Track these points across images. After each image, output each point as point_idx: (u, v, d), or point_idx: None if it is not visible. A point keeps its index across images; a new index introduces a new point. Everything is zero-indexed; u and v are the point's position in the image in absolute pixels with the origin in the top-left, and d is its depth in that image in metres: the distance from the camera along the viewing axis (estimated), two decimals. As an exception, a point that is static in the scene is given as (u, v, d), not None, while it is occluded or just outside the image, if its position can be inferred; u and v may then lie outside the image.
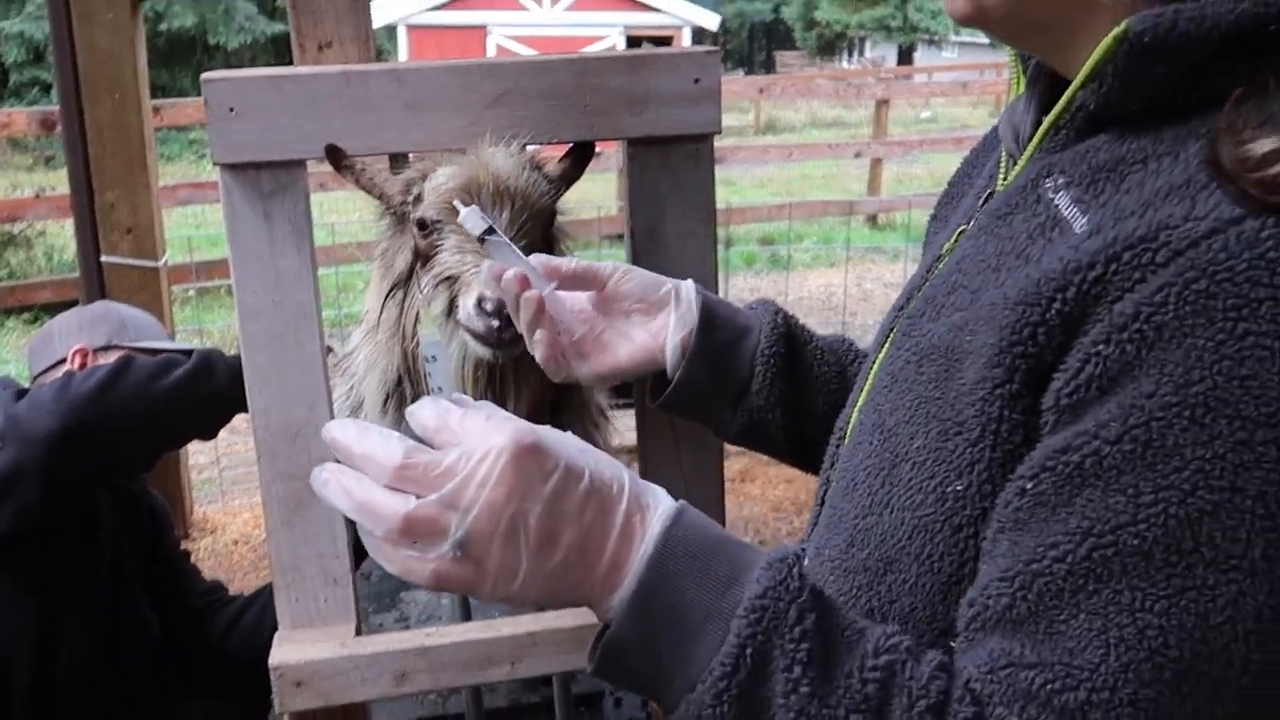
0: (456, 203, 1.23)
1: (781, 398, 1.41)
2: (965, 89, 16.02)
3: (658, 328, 1.38)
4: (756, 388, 1.40)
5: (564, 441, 0.93)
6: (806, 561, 1.11)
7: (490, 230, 1.23)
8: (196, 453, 5.31)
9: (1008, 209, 1.00)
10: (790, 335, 1.45)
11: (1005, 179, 1.09)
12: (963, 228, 1.12)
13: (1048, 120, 0.98)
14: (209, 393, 2.15)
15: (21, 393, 2.15)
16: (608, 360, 1.39)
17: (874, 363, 1.16)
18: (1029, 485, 0.86)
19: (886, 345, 1.14)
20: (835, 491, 1.13)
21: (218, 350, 2.37)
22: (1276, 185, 0.78)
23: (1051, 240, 0.92)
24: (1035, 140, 1.01)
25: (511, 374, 1.69)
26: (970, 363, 0.93)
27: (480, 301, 1.51)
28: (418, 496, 0.87)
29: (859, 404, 1.16)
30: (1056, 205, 0.94)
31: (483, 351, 1.58)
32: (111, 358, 2.45)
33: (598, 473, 0.92)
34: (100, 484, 2.30)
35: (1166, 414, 0.79)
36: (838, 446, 1.22)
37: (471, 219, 1.21)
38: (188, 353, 2.56)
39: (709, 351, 1.38)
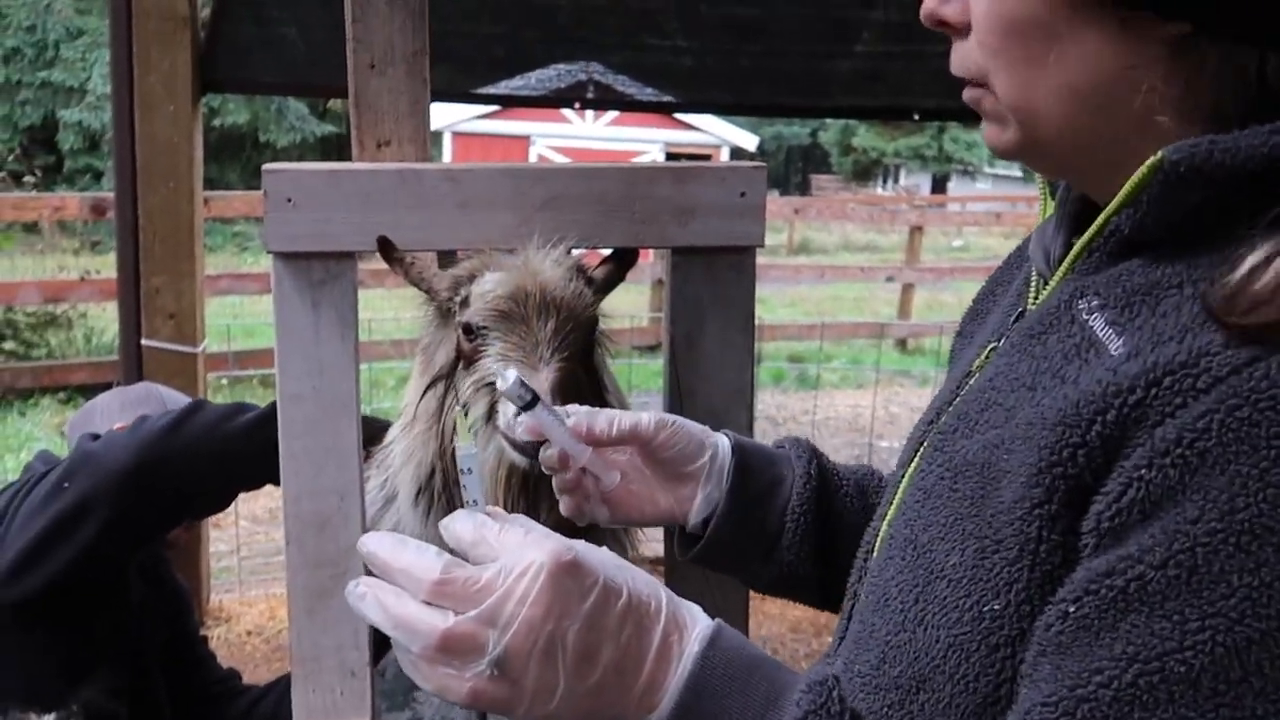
0: (496, 368, 1.28)
1: (813, 552, 1.39)
2: (998, 219, 16.19)
3: (684, 500, 1.37)
4: (787, 543, 1.38)
5: (602, 558, 0.93)
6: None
7: (534, 400, 1.23)
8: (217, 540, 5.30)
9: (1041, 329, 1.01)
10: (822, 485, 1.42)
11: (1036, 298, 1.10)
12: (993, 345, 1.12)
13: (1080, 243, 0.99)
14: (275, 437, 2.16)
15: (95, 437, 2.18)
16: (631, 515, 1.38)
17: (902, 476, 1.16)
18: (1071, 609, 0.85)
19: (916, 459, 1.13)
20: (865, 606, 1.11)
21: None
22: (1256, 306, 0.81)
23: (1087, 361, 0.92)
24: (1067, 262, 1.02)
25: (546, 481, 1.69)
26: (1008, 481, 0.92)
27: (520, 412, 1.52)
28: (455, 612, 0.87)
29: (888, 517, 1.14)
30: (1091, 327, 0.94)
31: (519, 460, 1.58)
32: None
33: (635, 590, 0.93)
34: (167, 526, 2.30)
35: (1212, 540, 0.78)
36: (865, 560, 1.20)
37: (514, 390, 1.21)
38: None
39: (739, 511, 1.36)
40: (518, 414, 1.27)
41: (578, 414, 1.31)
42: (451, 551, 0.98)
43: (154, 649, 2.52)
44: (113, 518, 2.02)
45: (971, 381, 1.11)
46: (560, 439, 1.27)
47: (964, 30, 0.98)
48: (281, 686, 2.52)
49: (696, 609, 0.97)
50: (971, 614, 0.94)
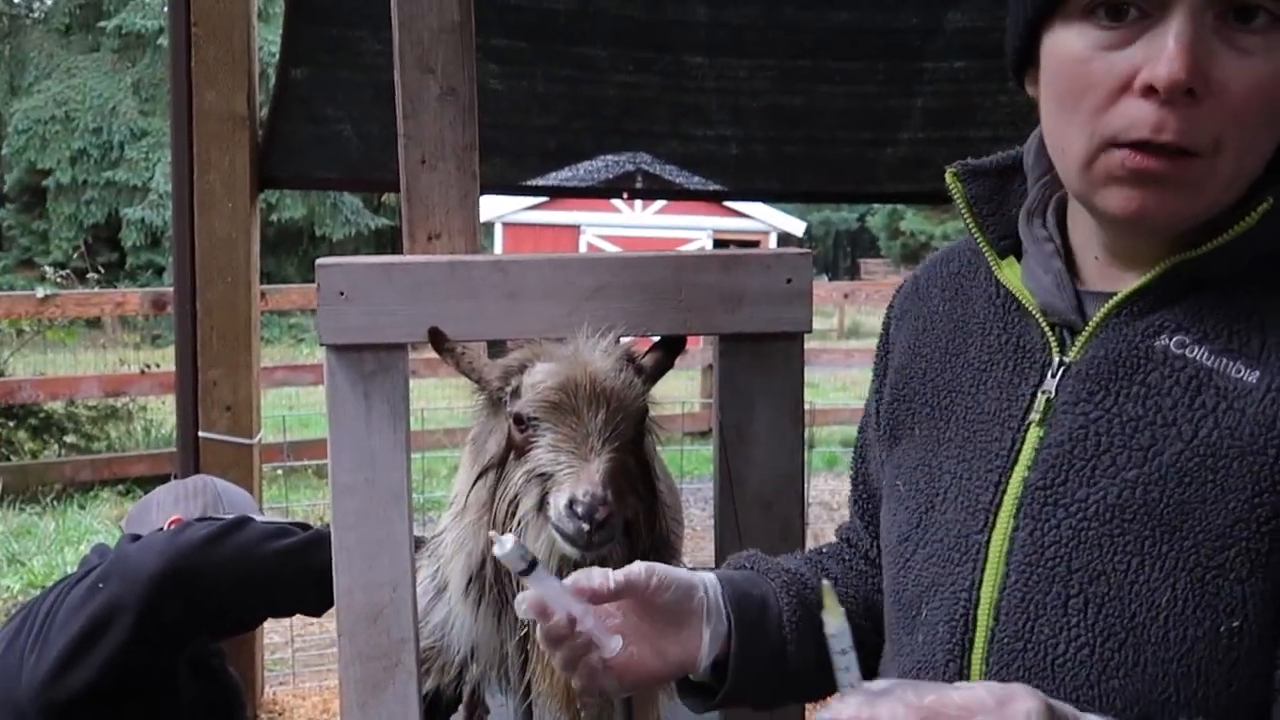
0: (493, 534, 1.21)
1: (815, 646, 1.33)
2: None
3: (690, 643, 1.32)
4: (794, 652, 1.36)
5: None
6: None
7: (533, 565, 1.19)
8: (271, 632, 5.29)
9: (1127, 371, 1.09)
10: (799, 591, 1.40)
11: (1076, 348, 1.15)
12: (1048, 396, 1.15)
13: (1130, 290, 1.10)
14: (316, 566, 2.16)
15: (136, 537, 2.19)
16: (640, 677, 1.31)
17: (986, 541, 1.16)
18: None
19: (1008, 519, 1.15)
20: (1017, 675, 1.11)
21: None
22: None
23: (1221, 390, 1.04)
24: (1109, 310, 1.12)
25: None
26: (1208, 511, 1.01)
27: (571, 504, 1.52)
28: None
29: (990, 584, 1.15)
30: (1197, 361, 1.05)
31: (570, 551, 1.58)
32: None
33: (1063, 711, 0.93)
34: (193, 638, 2.30)
35: None
36: (962, 635, 1.18)
37: (514, 556, 1.16)
38: (298, 525, 2.61)
39: (752, 641, 1.34)
40: (518, 577, 1.21)
41: (575, 575, 1.25)
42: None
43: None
44: (139, 622, 2.03)
45: (1043, 439, 1.14)
46: (563, 601, 1.22)
47: (1202, 101, 1.00)
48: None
49: None
50: (1207, 638, 1.02)
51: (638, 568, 1.26)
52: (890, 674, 1.28)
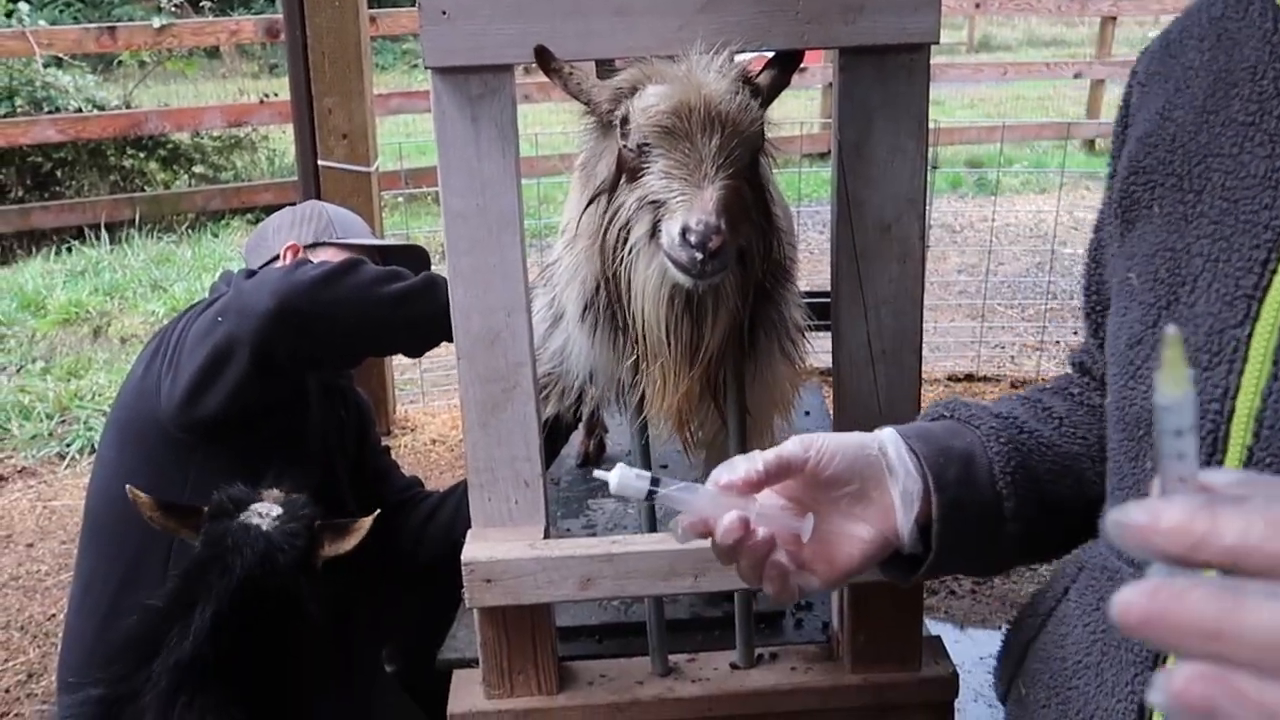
0: (599, 472, 1.03)
1: (1038, 502, 1.21)
2: (1203, 4, 14.91)
3: (882, 512, 1.13)
4: (1011, 510, 1.18)
5: None
6: None
7: (655, 484, 1.02)
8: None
9: None
10: (1013, 438, 1.23)
11: None
12: None
13: None
14: (422, 312, 2.20)
15: (252, 273, 2.26)
16: (838, 569, 1.12)
17: (1247, 334, 0.92)
18: None
19: (1276, 306, 0.91)
20: None
21: (443, 277, 2.42)
22: None
23: None
24: None
25: (710, 301, 1.67)
26: None
27: (685, 232, 1.49)
28: None
29: (1255, 386, 0.90)
30: None
31: (683, 279, 1.56)
32: (322, 254, 2.55)
33: None
34: (306, 370, 2.40)
35: None
36: (1209, 458, 0.93)
37: (628, 484, 1.00)
38: (397, 249, 2.64)
39: (954, 501, 1.15)
40: (648, 497, 1.04)
41: (715, 472, 1.07)
42: None
43: (340, 463, 2.66)
44: (255, 356, 2.10)
45: None
46: (717, 505, 1.05)
47: None
48: (458, 494, 2.64)
49: None
50: None
51: (791, 444, 1.09)
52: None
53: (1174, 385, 0.59)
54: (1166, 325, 0.72)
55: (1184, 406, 0.59)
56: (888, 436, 1.17)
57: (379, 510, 2.08)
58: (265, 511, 2.02)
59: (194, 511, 2.06)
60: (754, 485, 1.06)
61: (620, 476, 0.98)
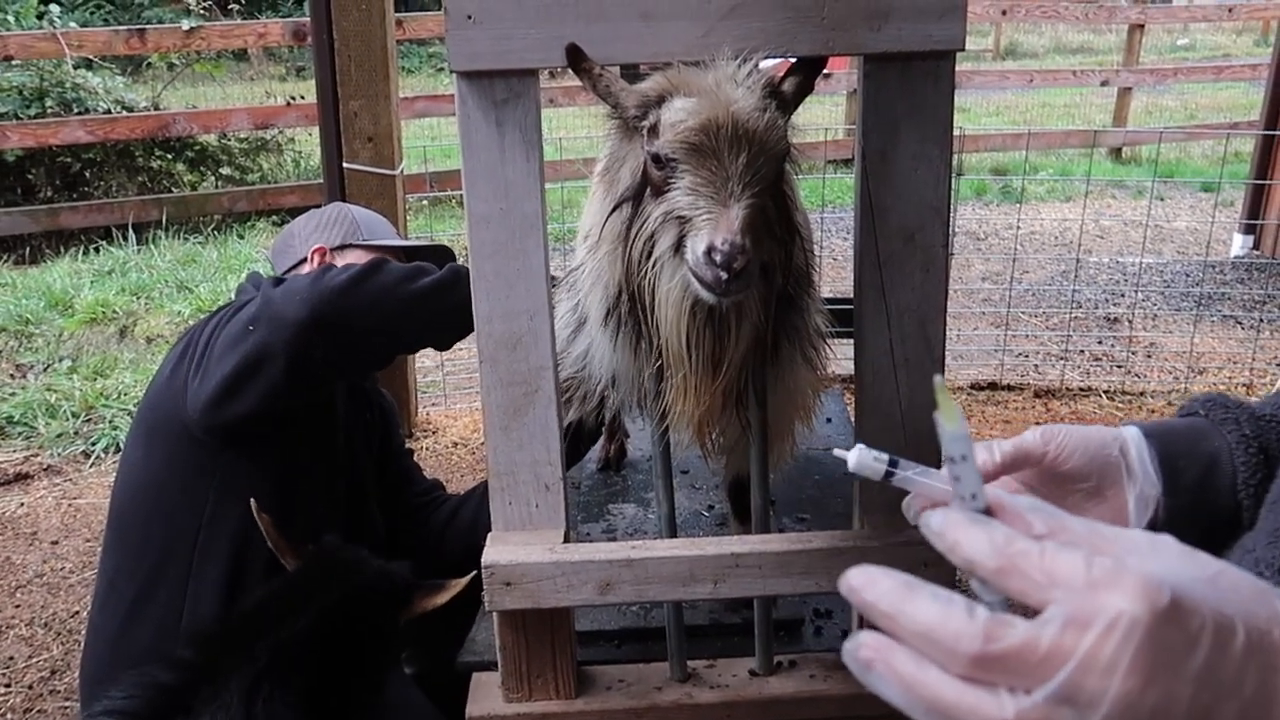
0: (838, 451, 1.00)
1: None
2: (1230, 13, 14.80)
3: (1115, 512, 1.11)
4: (1249, 520, 1.11)
5: (1192, 577, 0.66)
6: None
7: (894, 465, 0.99)
8: (422, 357, 5.53)
9: None
10: (1263, 443, 1.17)
11: None
12: None
13: None
14: (450, 306, 2.21)
15: (279, 281, 2.27)
16: None
17: None
18: None
19: None
20: None
21: (451, 254, 2.42)
22: None
23: None
24: None
25: (732, 317, 1.67)
26: None
27: (710, 251, 1.49)
28: (1010, 691, 0.64)
29: None
30: None
31: (707, 296, 1.56)
32: (348, 256, 2.56)
33: (1250, 618, 0.65)
34: (340, 375, 2.41)
35: None
36: None
37: (866, 464, 0.97)
38: (424, 251, 2.64)
39: (1184, 507, 1.12)
40: (885, 478, 0.98)
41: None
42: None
43: (366, 464, 2.67)
44: (290, 365, 2.11)
45: None
46: (944, 492, 1.00)
47: None
48: (478, 496, 2.64)
49: None
50: None
51: (1031, 435, 1.08)
52: None
53: (951, 421, 0.72)
54: (934, 375, 0.76)
55: (962, 439, 0.72)
56: (1131, 436, 1.14)
57: (474, 572, 2.14)
58: (369, 556, 2.13)
59: (300, 543, 2.16)
60: (988, 475, 1.05)
61: (859, 457, 0.97)
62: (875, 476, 0.96)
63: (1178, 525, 1.09)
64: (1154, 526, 1.11)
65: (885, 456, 0.96)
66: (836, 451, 1.02)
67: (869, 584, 0.68)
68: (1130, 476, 1.11)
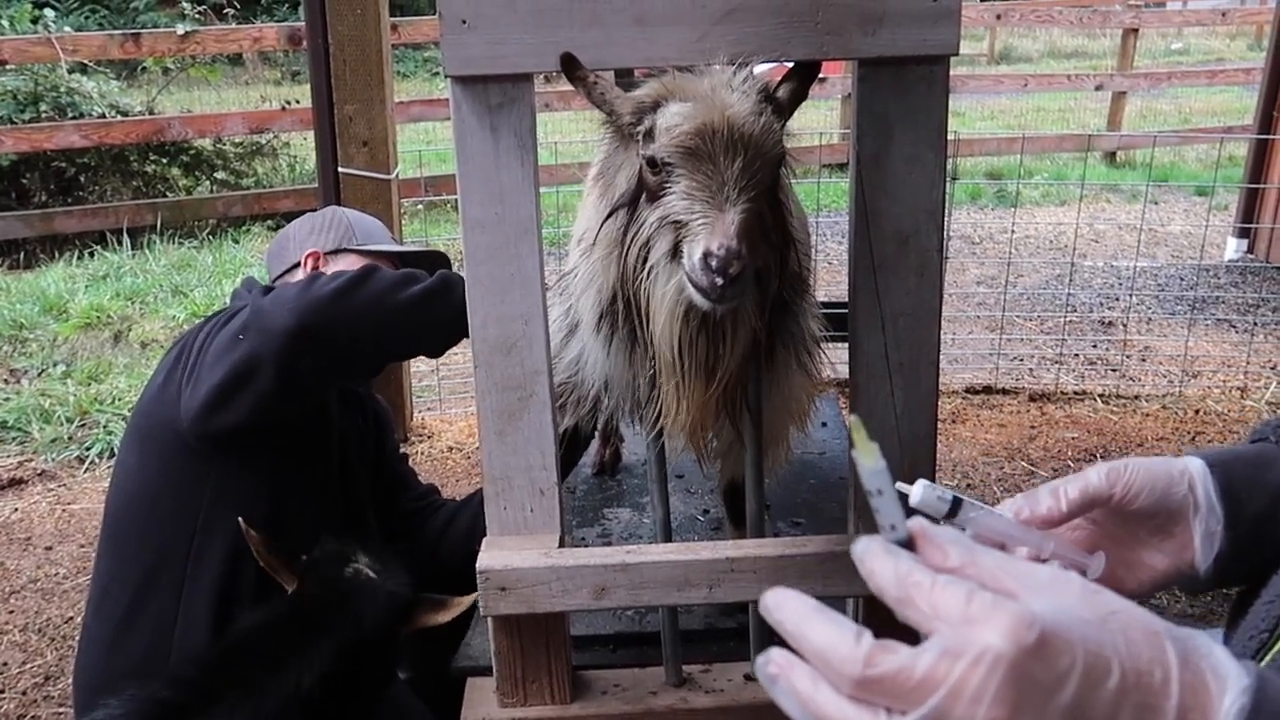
0: (901, 485, 0.95)
1: None
2: (1224, 18, 14.85)
3: (1181, 546, 1.11)
4: None
5: (1080, 620, 0.68)
6: None
7: (957, 504, 0.98)
8: (417, 361, 5.53)
9: None
10: None
11: None
12: None
13: None
14: (442, 313, 2.20)
15: (269, 289, 2.26)
16: (1125, 594, 0.98)
17: None
18: None
19: None
20: None
21: (447, 260, 2.41)
22: None
23: None
24: None
25: (727, 323, 1.67)
26: None
27: (706, 256, 1.49)
28: (887, 711, 0.68)
29: None
30: None
31: (701, 302, 1.56)
32: (342, 261, 2.55)
33: (1131, 658, 0.67)
34: (330, 383, 2.41)
35: None
36: None
37: (931, 502, 0.97)
38: (418, 256, 2.64)
39: (1246, 540, 1.11)
40: (943, 522, 0.98)
41: (1013, 503, 1.06)
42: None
43: (360, 470, 2.66)
44: (279, 374, 2.11)
45: None
46: (1014, 537, 1.02)
47: None
48: (475, 502, 2.64)
49: (1221, 657, 0.70)
50: None
51: (1096, 476, 1.07)
52: None
53: (869, 459, 0.77)
54: (850, 415, 0.79)
55: (880, 474, 0.77)
56: (1197, 470, 1.12)
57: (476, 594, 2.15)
58: (371, 567, 2.12)
59: (293, 556, 2.15)
60: (1054, 523, 1.06)
61: (923, 494, 0.98)
62: (938, 514, 0.96)
63: (1241, 556, 1.10)
64: (1219, 559, 1.11)
65: (949, 496, 0.96)
66: (900, 485, 0.97)
67: (779, 605, 0.74)
68: (1197, 512, 1.11)
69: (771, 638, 2.02)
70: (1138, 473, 1.08)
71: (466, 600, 2.11)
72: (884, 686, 0.68)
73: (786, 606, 0.74)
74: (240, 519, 2.14)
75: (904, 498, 0.93)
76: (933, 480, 0.78)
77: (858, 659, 0.68)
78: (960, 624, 0.67)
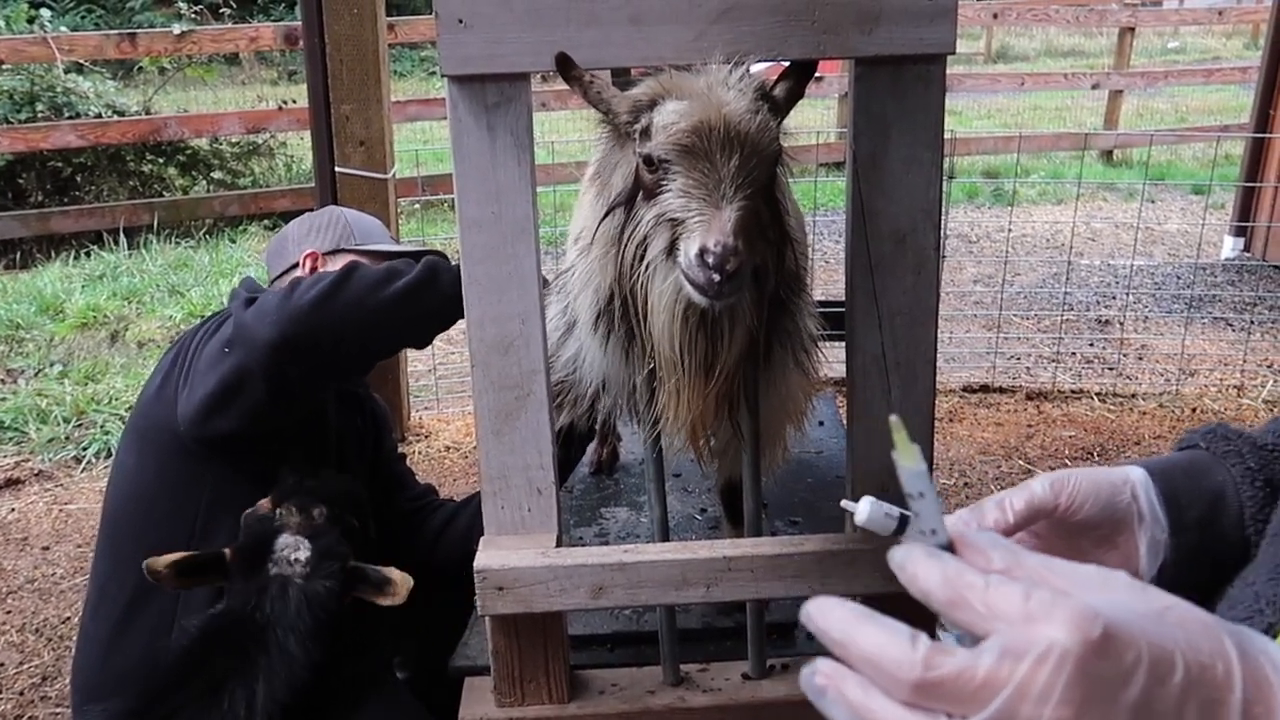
0: (845, 503, 0.97)
1: None
2: (1220, 17, 14.86)
3: (1125, 557, 1.11)
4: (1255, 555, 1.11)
5: (1139, 614, 0.67)
6: None
7: (904, 522, 0.95)
8: (414, 360, 5.52)
9: None
10: (1268, 475, 1.16)
11: None
12: None
13: None
14: (429, 304, 2.20)
15: (251, 300, 2.26)
16: None
17: None
18: None
19: None
20: None
21: (444, 259, 2.41)
22: None
23: None
24: None
25: (725, 320, 1.67)
26: None
27: (703, 253, 1.49)
28: (948, 716, 0.66)
29: None
30: None
31: (698, 299, 1.56)
32: (340, 261, 2.55)
33: (1193, 653, 0.66)
34: (322, 387, 2.40)
35: None
36: None
37: (879, 519, 0.94)
38: (416, 255, 2.64)
39: (1190, 547, 1.12)
40: (892, 538, 0.94)
41: (960, 516, 1.04)
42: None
43: (358, 469, 2.66)
44: (269, 384, 2.11)
45: None
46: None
47: None
48: (474, 505, 2.63)
49: (1276, 651, 0.69)
50: None
51: (1040, 486, 1.06)
52: None
53: (910, 460, 0.74)
54: (890, 416, 0.77)
55: (921, 475, 0.75)
56: (1139, 479, 1.13)
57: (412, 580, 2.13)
58: (294, 557, 2.08)
59: (215, 558, 2.11)
60: (1004, 534, 1.03)
61: (870, 512, 0.93)
62: (885, 532, 0.94)
63: (1185, 564, 1.10)
64: (1163, 568, 1.10)
65: (896, 512, 0.93)
66: (844, 503, 0.99)
67: (823, 613, 0.71)
68: (1142, 521, 1.10)
69: (770, 636, 2.03)
70: (1081, 483, 1.08)
71: (405, 587, 2.09)
72: (944, 690, 0.65)
73: (831, 614, 0.71)
74: (144, 564, 2.10)
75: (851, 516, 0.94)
76: (932, 480, 0.75)
77: (915, 662, 0.66)
78: (1021, 622, 0.65)
